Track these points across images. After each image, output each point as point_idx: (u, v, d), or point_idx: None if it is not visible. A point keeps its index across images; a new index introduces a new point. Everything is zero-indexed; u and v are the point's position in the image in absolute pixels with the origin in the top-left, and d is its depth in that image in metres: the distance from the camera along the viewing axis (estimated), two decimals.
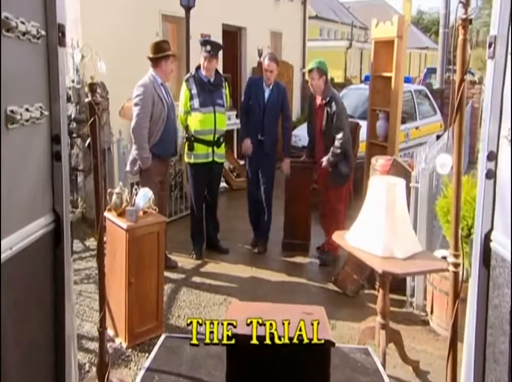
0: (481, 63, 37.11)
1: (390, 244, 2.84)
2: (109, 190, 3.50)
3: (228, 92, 5.04)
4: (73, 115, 5.64)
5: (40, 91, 1.64)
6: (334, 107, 4.64)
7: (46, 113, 1.64)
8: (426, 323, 3.74)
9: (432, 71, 18.08)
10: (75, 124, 5.58)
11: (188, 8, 6.86)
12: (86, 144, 2.67)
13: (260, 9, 10.43)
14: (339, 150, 4.62)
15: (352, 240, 3.02)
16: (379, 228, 2.88)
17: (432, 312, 3.65)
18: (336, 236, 3.20)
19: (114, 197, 3.42)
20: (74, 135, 5.60)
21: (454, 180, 1.64)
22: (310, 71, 4.77)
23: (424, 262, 2.83)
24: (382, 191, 2.91)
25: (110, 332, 3.56)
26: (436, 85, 10.92)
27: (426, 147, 4.22)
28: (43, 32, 1.61)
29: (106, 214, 3.50)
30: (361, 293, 4.25)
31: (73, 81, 5.67)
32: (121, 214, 3.44)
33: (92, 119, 2.63)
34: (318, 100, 4.84)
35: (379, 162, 4.26)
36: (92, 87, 2.65)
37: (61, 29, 1.67)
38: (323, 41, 23.65)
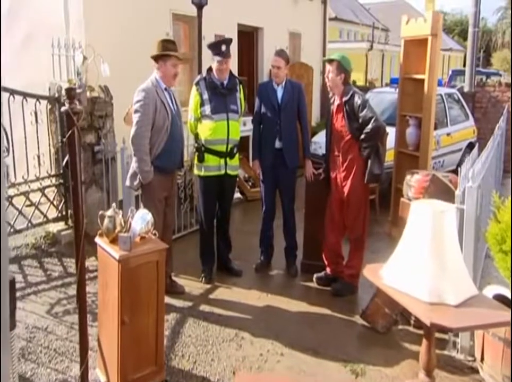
0: (507, 65, 36.04)
1: (439, 286, 2.28)
2: (100, 212, 2.99)
3: (242, 96, 4.50)
4: None
5: None
6: (358, 101, 3.98)
7: None
8: (474, 370, 3.14)
9: (457, 73, 17.32)
10: None
11: (200, 6, 6.34)
12: (64, 163, 2.18)
13: (278, 9, 9.93)
14: (368, 143, 3.97)
15: (390, 279, 2.47)
16: (424, 266, 2.31)
17: (482, 359, 3.05)
18: (369, 272, 2.64)
19: (106, 220, 2.91)
20: None
21: None
22: (330, 61, 4.09)
23: (482, 311, 2.25)
24: (428, 220, 2.34)
25: (101, 377, 3.06)
26: (465, 87, 10.28)
27: (470, 161, 3.63)
28: None
29: (97, 239, 3.01)
30: (394, 330, 3.66)
31: (74, 85, 5.22)
32: (114, 240, 2.94)
33: (69, 132, 2.14)
34: (337, 100, 4.18)
35: (415, 177, 3.69)
36: (70, 93, 2.15)
37: None
38: (343, 42, 23.06)
